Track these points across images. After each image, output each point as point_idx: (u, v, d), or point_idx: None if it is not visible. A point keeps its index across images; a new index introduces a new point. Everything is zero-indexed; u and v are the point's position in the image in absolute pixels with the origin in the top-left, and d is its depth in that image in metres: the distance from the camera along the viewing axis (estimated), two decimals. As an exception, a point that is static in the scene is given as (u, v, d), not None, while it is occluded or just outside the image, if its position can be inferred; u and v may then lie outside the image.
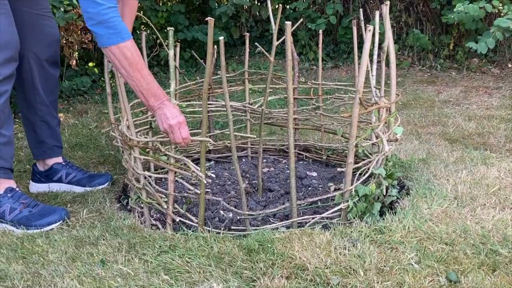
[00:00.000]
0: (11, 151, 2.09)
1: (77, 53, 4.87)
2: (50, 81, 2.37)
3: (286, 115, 2.62)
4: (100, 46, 1.81)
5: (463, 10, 4.19)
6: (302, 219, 1.96)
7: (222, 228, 1.99)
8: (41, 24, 2.27)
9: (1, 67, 1.98)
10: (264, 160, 2.79)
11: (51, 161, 2.47)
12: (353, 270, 1.61)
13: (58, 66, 2.42)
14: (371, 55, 1.96)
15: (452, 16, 4.35)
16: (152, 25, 2.81)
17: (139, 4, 5.53)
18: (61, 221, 2.05)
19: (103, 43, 1.78)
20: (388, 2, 2.07)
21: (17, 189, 2.14)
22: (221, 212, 2.17)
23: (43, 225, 2.01)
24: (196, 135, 2.93)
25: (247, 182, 2.47)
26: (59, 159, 2.49)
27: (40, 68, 2.31)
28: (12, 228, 2.02)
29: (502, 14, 4.24)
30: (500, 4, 4.31)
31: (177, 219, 1.95)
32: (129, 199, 2.20)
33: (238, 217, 2.09)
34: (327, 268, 1.62)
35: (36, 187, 2.46)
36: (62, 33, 3.92)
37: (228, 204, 2.14)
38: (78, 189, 2.42)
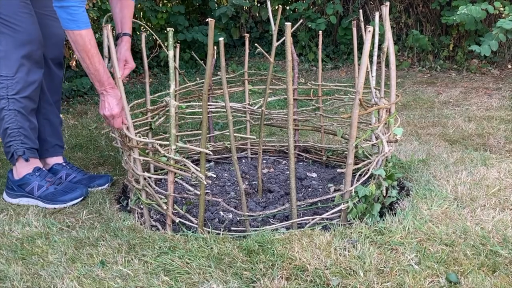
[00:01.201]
0: (37, 133, 2.38)
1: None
2: (54, 81, 2.48)
3: (286, 116, 2.62)
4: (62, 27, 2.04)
5: (465, 12, 4.20)
6: (302, 220, 1.96)
7: (222, 229, 1.99)
8: (48, 25, 2.35)
9: (29, 59, 2.22)
10: (264, 161, 2.79)
11: (52, 161, 2.51)
12: (353, 271, 1.61)
13: (62, 67, 2.50)
14: (371, 56, 1.96)
15: (454, 18, 4.36)
16: (149, 29, 2.82)
17: (139, 5, 5.53)
18: (82, 197, 2.28)
19: (62, 25, 2.02)
20: (388, 3, 2.07)
21: (43, 168, 2.37)
22: (221, 213, 2.17)
23: (67, 200, 2.25)
24: (196, 136, 2.94)
25: (247, 183, 2.47)
26: (59, 159, 2.54)
27: (46, 68, 2.39)
28: (40, 203, 2.26)
29: (503, 16, 4.24)
30: (501, 6, 4.31)
31: (177, 220, 1.95)
32: (129, 200, 2.20)
33: (238, 218, 2.09)
34: (327, 269, 1.62)
35: None
36: (62, 34, 3.92)
37: (228, 205, 2.14)
38: None
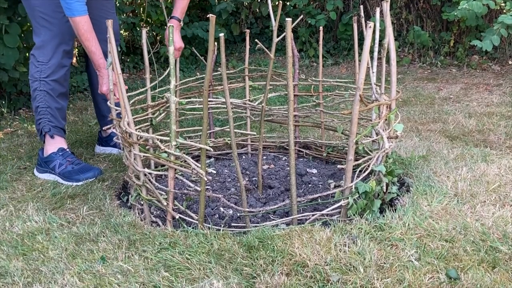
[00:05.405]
0: (64, 115, 2.72)
1: (77, 50, 4.88)
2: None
3: (286, 112, 2.62)
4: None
5: (466, 7, 4.19)
6: (302, 216, 1.96)
7: (222, 225, 1.99)
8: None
9: (62, 49, 2.58)
10: (264, 157, 2.79)
11: (109, 130, 2.96)
12: (353, 267, 1.61)
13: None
14: (371, 52, 1.96)
15: (455, 13, 4.35)
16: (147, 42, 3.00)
17: (138, 1, 5.51)
18: (94, 177, 2.54)
19: (64, 12, 2.41)
20: (388, -1, 2.06)
21: (67, 149, 2.68)
22: (221, 209, 2.17)
23: (79, 179, 2.52)
24: (197, 132, 2.94)
25: (247, 179, 2.47)
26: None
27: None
28: (59, 179, 2.55)
29: (504, 11, 4.24)
30: (502, 2, 4.31)
31: (177, 216, 1.95)
32: (129, 196, 2.20)
33: (238, 214, 2.09)
34: (327, 265, 1.62)
35: (99, 149, 3.01)
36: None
37: (228, 201, 2.14)
38: (116, 151, 2.94)
